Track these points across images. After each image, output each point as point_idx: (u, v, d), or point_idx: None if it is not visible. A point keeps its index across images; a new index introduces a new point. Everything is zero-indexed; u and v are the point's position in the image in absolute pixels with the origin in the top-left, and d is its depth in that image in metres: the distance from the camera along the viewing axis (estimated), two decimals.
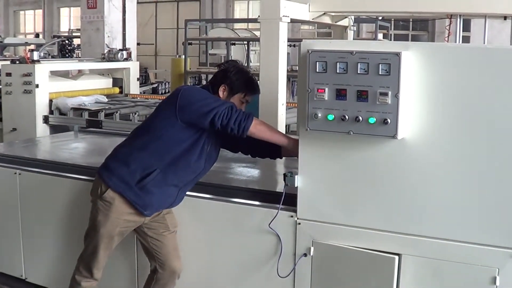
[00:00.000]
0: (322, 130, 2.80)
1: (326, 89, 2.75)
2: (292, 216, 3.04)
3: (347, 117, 2.72)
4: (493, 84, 2.57)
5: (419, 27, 18.88)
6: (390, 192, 2.79)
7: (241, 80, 3.18)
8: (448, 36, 5.72)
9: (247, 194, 3.29)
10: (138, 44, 10.14)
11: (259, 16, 4.79)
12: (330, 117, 2.75)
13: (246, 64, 11.80)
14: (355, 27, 6.41)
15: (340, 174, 2.87)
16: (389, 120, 2.64)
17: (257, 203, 3.20)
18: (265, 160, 3.47)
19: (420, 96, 2.67)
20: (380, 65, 2.64)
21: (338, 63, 2.72)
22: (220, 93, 3.16)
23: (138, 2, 9.63)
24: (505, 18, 5.23)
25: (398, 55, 2.62)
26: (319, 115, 2.77)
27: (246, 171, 3.95)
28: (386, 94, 2.64)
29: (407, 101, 2.67)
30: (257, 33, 17.97)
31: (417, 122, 2.69)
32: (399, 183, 2.77)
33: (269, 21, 4.65)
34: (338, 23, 5.93)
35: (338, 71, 2.72)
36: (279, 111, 4.82)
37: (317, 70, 2.76)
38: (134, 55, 8.28)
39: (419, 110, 2.68)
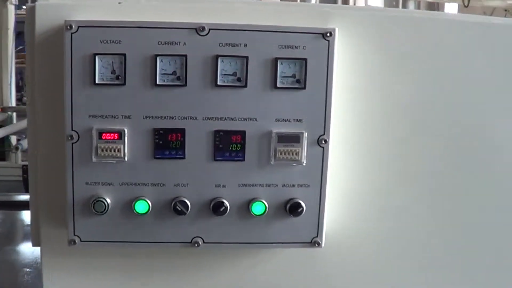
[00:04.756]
0: (104, 241, 1.03)
1: (126, 130, 0.99)
2: None
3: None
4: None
5: None
6: None
7: None
8: None
9: None
10: None
11: None
12: (141, 206, 1.01)
13: None
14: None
15: None
16: (303, 206, 1.03)
17: None
18: None
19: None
20: (280, 63, 0.99)
21: (159, 60, 0.97)
22: None
23: None
24: None
25: (326, 36, 1.00)
26: (108, 202, 1.00)
27: None
28: (296, 139, 1.01)
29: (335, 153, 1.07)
30: None
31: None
32: None
33: None
34: None
35: (159, 81, 0.98)
36: None
37: (98, 80, 0.97)
38: None
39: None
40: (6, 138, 5.43)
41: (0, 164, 4.00)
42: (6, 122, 5.84)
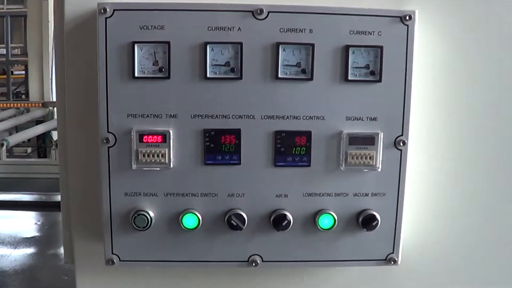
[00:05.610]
0: (147, 260, 0.90)
1: (172, 132, 0.85)
2: None
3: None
4: None
5: None
6: None
7: None
8: None
9: None
10: None
11: None
12: (190, 220, 0.88)
13: None
14: None
15: None
16: (378, 218, 0.88)
17: None
18: None
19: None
20: (351, 52, 0.84)
21: (210, 48, 0.83)
22: None
23: None
24: None
25: (404, 20, 0.85)
26: (151, 215, 0.87)
27: None
28: (370, 141, 0.86)
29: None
30: None
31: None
32: None
33: None
34: None
35: (210, 73, 0.84)
36: None
37: (138, 72, 0.84)
38: None
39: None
40: (47, 134, 5.40)
41: (40, 161, 3.92)
42: (47, 117, 5.82)
